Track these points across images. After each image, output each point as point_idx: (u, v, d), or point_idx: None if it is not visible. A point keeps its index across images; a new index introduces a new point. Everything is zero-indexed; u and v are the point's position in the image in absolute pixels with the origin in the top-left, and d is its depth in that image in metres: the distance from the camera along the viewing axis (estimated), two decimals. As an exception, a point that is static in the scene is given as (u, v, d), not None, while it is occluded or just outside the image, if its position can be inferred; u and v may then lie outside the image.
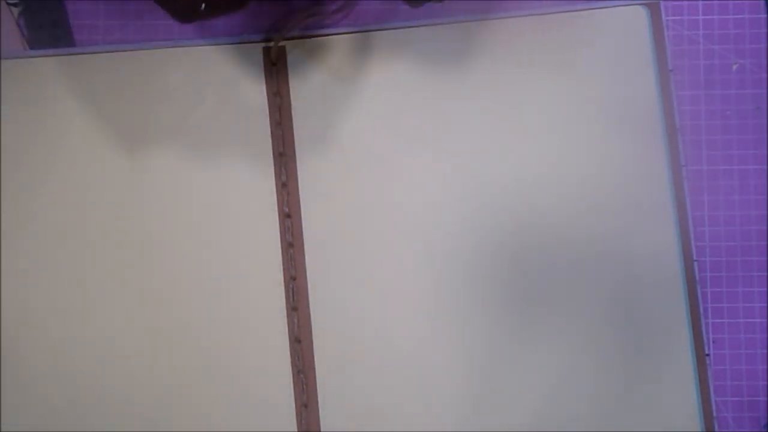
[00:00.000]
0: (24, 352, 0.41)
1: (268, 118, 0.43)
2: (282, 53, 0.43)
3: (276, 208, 0.42)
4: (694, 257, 0.42)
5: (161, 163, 0.42)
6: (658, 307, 0.42)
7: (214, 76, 0.43)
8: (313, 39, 0.43)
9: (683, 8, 0.43)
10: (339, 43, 0.43)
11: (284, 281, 0.42)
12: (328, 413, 0.41)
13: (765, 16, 0.43)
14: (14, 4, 0.43)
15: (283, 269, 0.42)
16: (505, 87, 0.43)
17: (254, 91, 0.43)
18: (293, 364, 0.42)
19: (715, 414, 0.42)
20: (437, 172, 0.42)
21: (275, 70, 0.43)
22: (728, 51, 0.43)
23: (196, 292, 0.42)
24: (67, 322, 0.42)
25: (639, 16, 0.43)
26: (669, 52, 0.43)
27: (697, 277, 0.42)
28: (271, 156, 0.42)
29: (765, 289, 0.43)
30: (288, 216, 0.42)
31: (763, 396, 0.43)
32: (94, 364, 0.41)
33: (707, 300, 0.43)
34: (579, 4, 0.43)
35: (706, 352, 0.42)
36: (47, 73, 0.43)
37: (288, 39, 0.43)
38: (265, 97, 0.43)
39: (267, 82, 0.43)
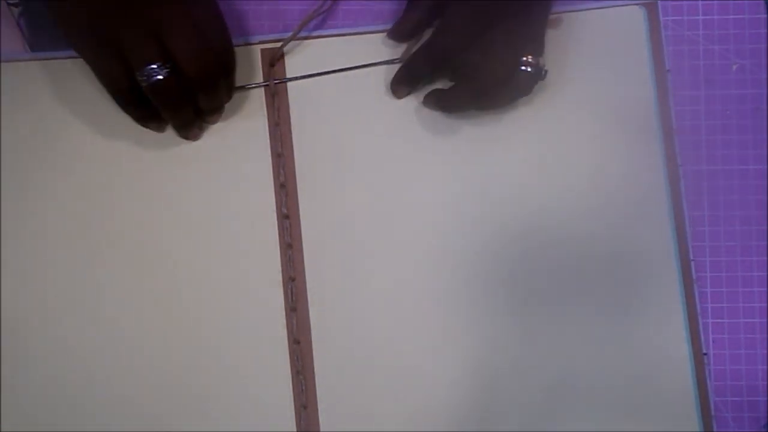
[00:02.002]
0: (24, 352, 0.42)
1: (266, 120, 0.43)
2: (281, 54, 0.43)
3: (275, 209, 0.42)
4: (691, 257, 0.42)
5: (161, 163, 0.42)
6: (656, 306, 0.42)
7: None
8: (312, 39, 0.43)
9: (683, 8, 0.43)
10: (338, 44, 0.43)
11: (283, 282, 0.42)
12: (327, 414, 0.41)
13: (765, 16, 0.43)
14: (14, 5, 0.43)
15: (282, 270, 0.42)
16: (503, 87, 0.43)
17: (253, 92, 0.43)
18: (292, 365, 0.42)
19: (713, 413, 0.42)
20: (436, 172, 0.42)
21: (274, 70, 0.43)
22: (728, 51, 0.43)
23: (195, 292, 0.42)
24: (66, 324, 0.42)
25: (636, 16, 0.42)
26: (666, 52, 0.43)
27: (695, 277, 0.42)
28: (270, 157, 0.42)
29: (765, 289, 0.43)
30: (287, 217, 0.42)
31: (763, 396, 0.43)
32: (93, 365, 0.41)
33: (707, 300, 0.43)
34: (576, 5, 0.43)
35: (704, 351, 0.42)
36: (47, 74, 0.43)
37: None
38: (264, 97, 0.43)
39: (266, 83, 0.43)
